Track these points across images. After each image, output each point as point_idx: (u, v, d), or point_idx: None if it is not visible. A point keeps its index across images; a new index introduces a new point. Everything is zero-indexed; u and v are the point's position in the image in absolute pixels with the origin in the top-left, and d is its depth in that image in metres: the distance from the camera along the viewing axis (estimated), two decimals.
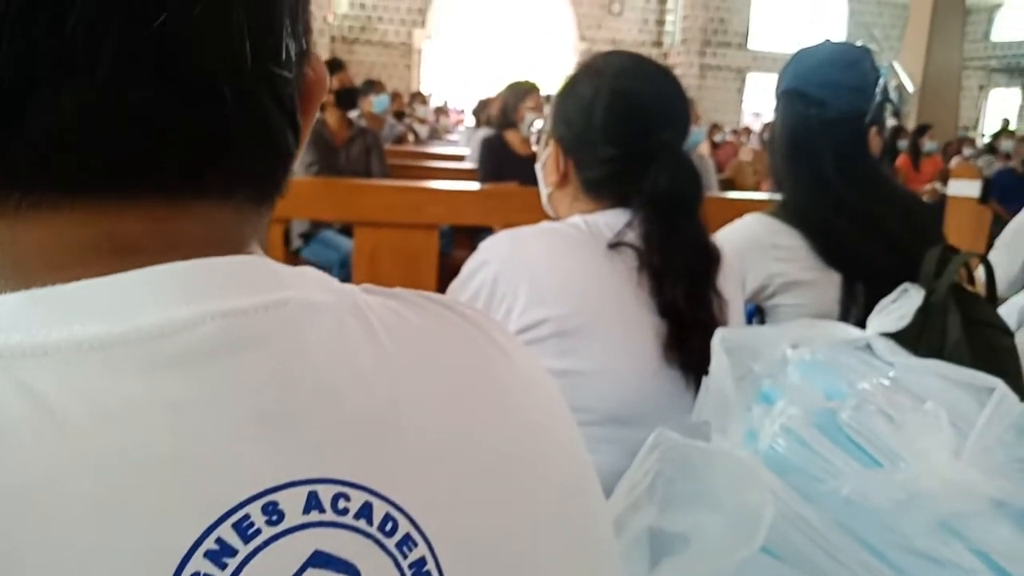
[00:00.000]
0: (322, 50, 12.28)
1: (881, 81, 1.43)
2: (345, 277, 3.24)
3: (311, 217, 3.27)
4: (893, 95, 10.64)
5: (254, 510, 0.28)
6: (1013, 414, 0.63)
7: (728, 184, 4.78)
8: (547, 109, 1.31)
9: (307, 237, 3.46)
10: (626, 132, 1.09)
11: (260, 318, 0.31)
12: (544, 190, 1.20)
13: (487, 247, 1.07)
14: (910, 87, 10.35)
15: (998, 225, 1.97)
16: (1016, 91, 14.17)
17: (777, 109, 1.48)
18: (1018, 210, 1.92)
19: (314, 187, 2.82)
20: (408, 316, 0.38)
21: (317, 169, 3.27)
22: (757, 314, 1.52)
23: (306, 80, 0.38)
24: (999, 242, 1.88)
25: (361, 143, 3.69)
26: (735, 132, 10.09)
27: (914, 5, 10.95)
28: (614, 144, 1.09)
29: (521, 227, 1.08)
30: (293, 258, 3.42)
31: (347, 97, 3.62)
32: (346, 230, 3.32)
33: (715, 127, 9.78)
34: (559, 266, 1.04)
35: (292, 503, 0.29)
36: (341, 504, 0.30)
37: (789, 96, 1.45)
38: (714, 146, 9.05)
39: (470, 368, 0.39)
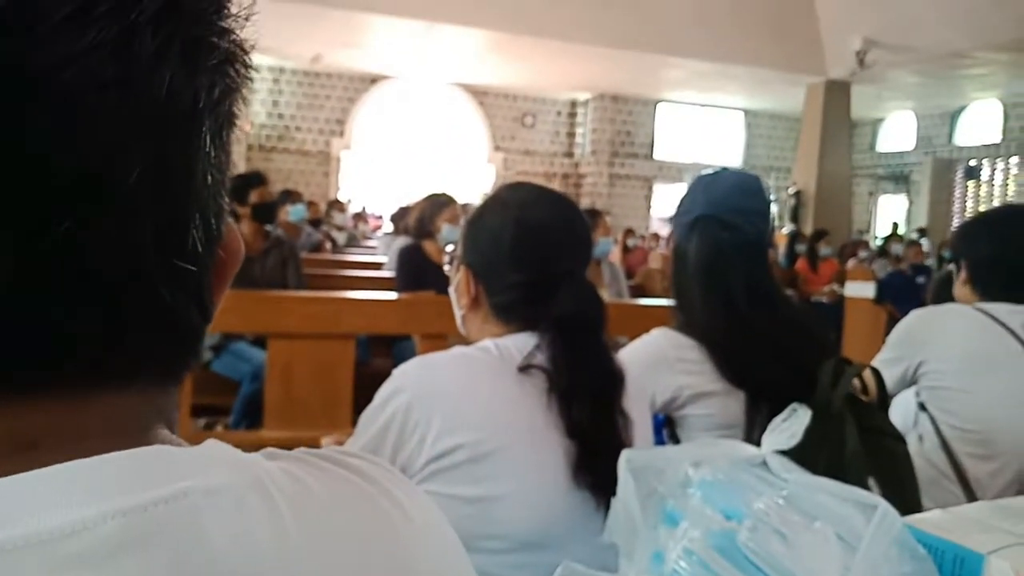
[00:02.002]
0: (238, 159, 12.29)
1: (774, 208, 1.54)
2: (257, 390, 3.17)
3: (222, 330, 3.21)
4: (791, 201, 11.28)
5: None
6: (895, 530, 0.66)
7: (638, 290, 4.92)
8: (463, 221, 1.36)
9: (218, 349, 3.38)
10: (531, 259, 1.14)
11: (160, 513, 0.32)
12: (457, 312, 1.24)
13: (400, 375, 1.08)
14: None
15: (892, 324, 2.07)
16: (903, 197, 15.18)
17: (690, 234, 1.53)
18: (909, 310, 2.04)
19: (226, 299, 2.77)
20: (310, 484, 0.38)
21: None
22: (667, 424, 1.56)
23: (217, 261, 0.39)
24: (887, 342, 1.98)
25: (277, 254, 3.68)
26: (643, 238, 10.47)
27: (805, 119, 11.75)
28: (520, 271, 1.14)
29: (434, 353, 1.11)
30: (203, 371, 3.33)
31: (265, 212, 3.62)
32: (259, 341, 3.27)
33: (629, 231, 10.14)
34: (472, 392, 1.06)
35: None
36: None
37: (705, 222, 1.52)
38: (626, 250, 9.36)
39: (370, 538, 0.39)
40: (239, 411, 3.29)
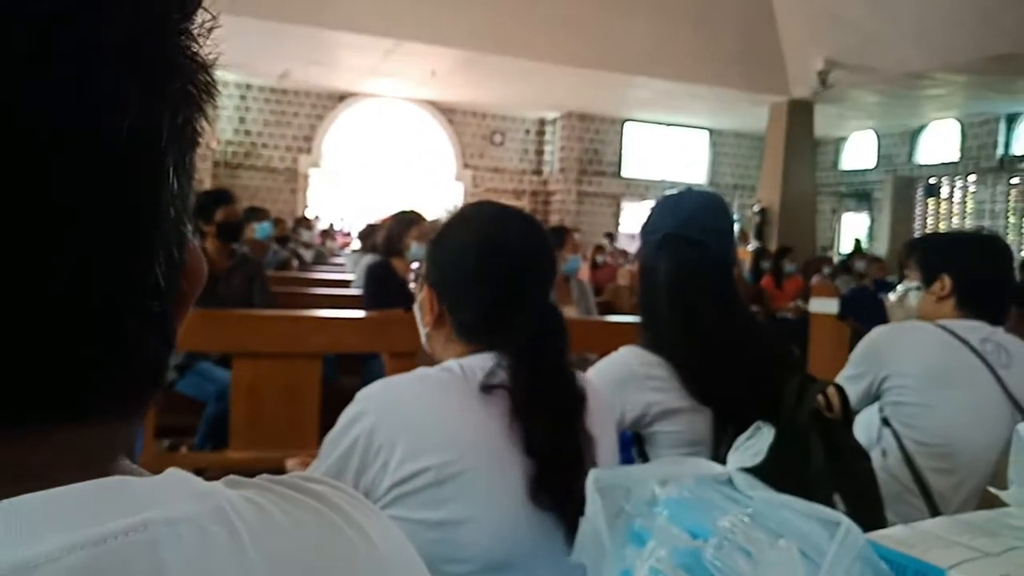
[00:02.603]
0: (204, 175, 12.17)
1: (737, 225, 1.56)
2: (223, 409, 3.13)
3: (187, 349, 3.16)
4: (756, 219, 11.44)
5: None
6: (857, 547, 0.67)
7: (607, 307, 4.94)
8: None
9: (182, 369, 3.33)
10: (494, 277, 1.15)
11: (119, 545, 0.31)
12: (422, 330, 1.23)
13: (363, 398, 1.07)
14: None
15: (856, 339, 2.10)
16: (865, 214, 15.45)
17: (659, 253, 1.55)
18: (872, 325, 2.07)
19: (191, 318, 2.73)
20: (272, 512, 0.38)
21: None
22: (635, 441, 1.56)
23: (179, 292, 0.39)
24: (850, 358, 2.01)
25: (243, 272, 3.64)
26: (611, 254, 10.54)
27: (769, 138, 11.93)
28: (483, 286, 1.14)
29: (397, 376, 1.10)
30: (166, 391, 3.28)
31: (230, 230, 3.58)
32: (224, 360, 3.22)
33: (598, 248, 10.22)
34: (436, 414, 1.06)
35: None
36: None
37: (674, 241, 1.53)
38: (595, 267, 9.42)
39: (333, 566, 0.39)
40: (204, 432, 3.25)
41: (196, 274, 0.41)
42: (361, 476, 1.03)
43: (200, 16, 0.37)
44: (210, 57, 0.38)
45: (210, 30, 0.37)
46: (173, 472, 0.36)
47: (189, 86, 0.36)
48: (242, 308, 3.39)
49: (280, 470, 1.34)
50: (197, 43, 0.37)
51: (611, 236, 12.72)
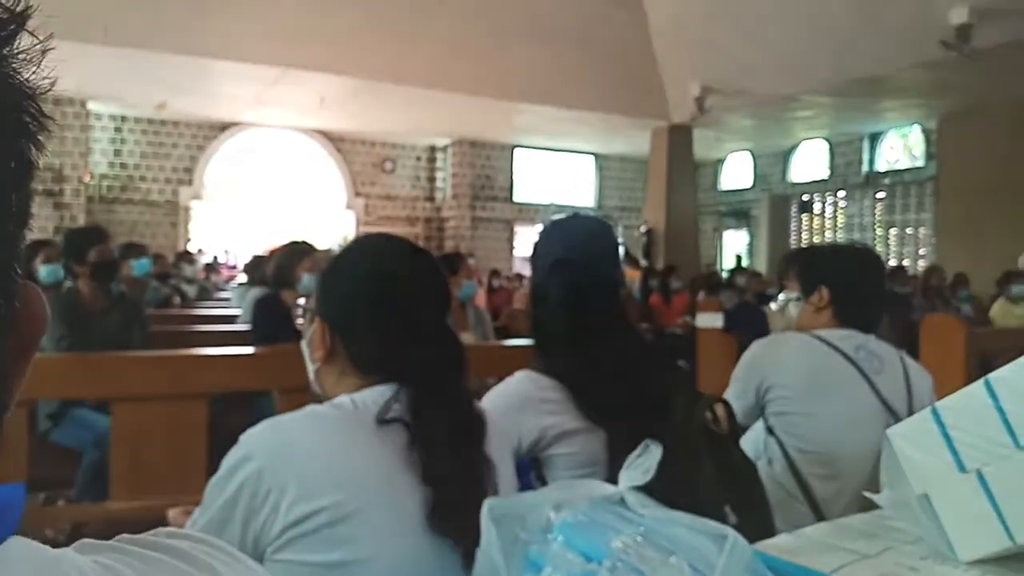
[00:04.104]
0: (77, 211, 11.57)
1: (621, 250, 1.60)
2: (102, 459, 2.96)
3: (62, 396, 2.98)
4: (643, 239, 11.76)
5: None
6: (745, 558, 0.69)
7: (504, 331, 4.96)
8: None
9: (56, 417, 3.13)
10: (391, 309, 1.13)
11: None
12: (310, 366, 1.20)
13: (248, 440, 1.03)
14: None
15: (743, 350, 2.17)
16: (744, 232, 16.13)
17: (550, 278, 1.57)
18: (756, 337, 2.15)
19: (64, 363, 2.59)
20: None
21: (68, 343, 3.02)
22: (533, 466, 1.56)
23: (15, 340, 0.36)
24: (733, 375, 2.08)
25: (120, 312, 3.47)
26: (508, 279, 10.62)
27: (652, 161, 12.33)
28: (380, 317, 1.13)
29: (283, 415, 1.06)
30: (40, 442, 3.07)
31: (105, 270, 3.40)
32: (102, 406, 3.05)
33: (495, 272, 10.28)
34: (328, 453, 1.02)
35: None
36: None
37: (564, 265, 1.56)
38: (491, 291, 9.46)
39: None
40: (82, 483, 3.06)
41: (35, 320, 0.37)
42: (249, 523, 0.99)
43: (28, 40, 0.34)
44: (44, 83, 0.35)
45: (44, 53, 0.35)
46: (14, 543, 0.33)
47: (15, 115, 0.34)
48: (120, 350, 3.22)
49: (162, 521, 1.26)
50: (23, 69, 0.34)
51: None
